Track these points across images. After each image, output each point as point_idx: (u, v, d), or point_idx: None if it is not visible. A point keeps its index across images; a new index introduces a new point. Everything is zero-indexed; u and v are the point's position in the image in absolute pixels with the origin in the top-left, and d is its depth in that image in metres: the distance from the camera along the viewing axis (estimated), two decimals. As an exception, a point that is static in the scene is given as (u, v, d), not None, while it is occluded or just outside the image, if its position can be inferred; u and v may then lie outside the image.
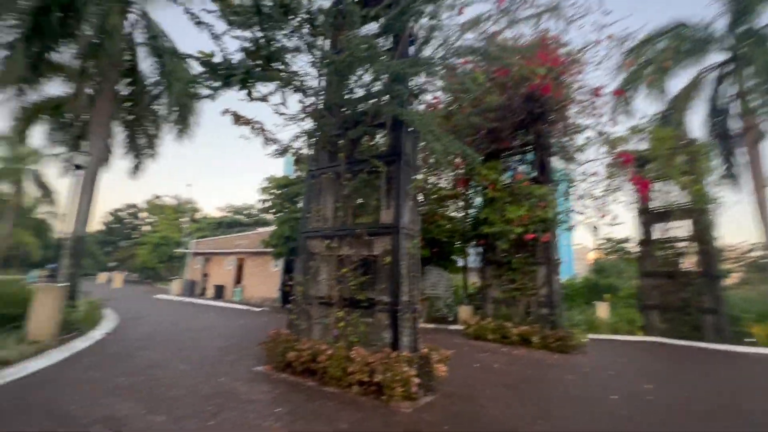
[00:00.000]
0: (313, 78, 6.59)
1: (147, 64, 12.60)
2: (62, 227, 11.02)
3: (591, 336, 11.35)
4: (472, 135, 10.94)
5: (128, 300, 18.87)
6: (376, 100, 6.18)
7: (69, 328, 8.10)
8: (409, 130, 6.31)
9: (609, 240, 16.32)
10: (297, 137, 7.15)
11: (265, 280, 20.63)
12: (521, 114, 10.86)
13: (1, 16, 9.28)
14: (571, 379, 6.80)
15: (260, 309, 17.18)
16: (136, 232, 48.76)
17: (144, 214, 52.87)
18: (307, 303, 6.57)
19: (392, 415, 4.48)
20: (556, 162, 11.97)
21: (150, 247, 35.56)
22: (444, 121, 9.75)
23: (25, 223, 32.42)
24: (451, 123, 9.76)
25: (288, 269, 20.33)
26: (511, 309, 11.04)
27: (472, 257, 15.14)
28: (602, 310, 14.58)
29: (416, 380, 4.97)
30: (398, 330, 5.50)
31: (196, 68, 6.09)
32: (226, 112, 6.61)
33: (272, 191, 17.31)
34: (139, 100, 13.17)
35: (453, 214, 14.69)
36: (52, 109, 14.32)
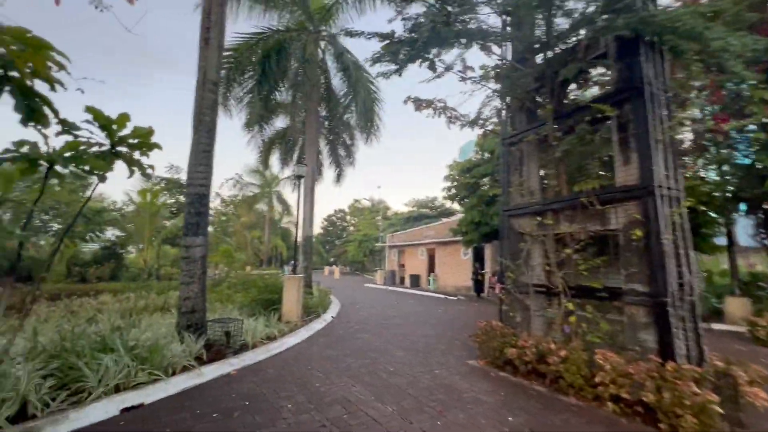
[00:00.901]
0: (497, 29, 5.59)
1: (337, 81, 14.26)
2: (297, 231, 13.82)
3: None
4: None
5: (345, 288, 22.29)
6: (591, 22, 4.62)
7: (308, 311, 9.75)
8: (651, 48, 4.46)
9: None
10: (486, 104, 6.29)
11: (456, 269, 20.62)
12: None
13: (245, 69, 12.11)
14: None
15: (455, 297, 17.13)
16: (345, 233, 58.69)
17: (348, 217, 63.42)
18: (521, 292, 5.60)
19: (688, 458, 3.04)
20: None
21: (356, 243, 41.68)
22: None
23: (276, 231, 43.43)
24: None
25: (477, 257, 19.64)
26: None
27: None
28: None
29: (718, 409, 3.31)
30: (668, 331, 3.88)
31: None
32: (407, 99, 6.39)
33: (456, 178, 16.96)
34: (334, 115, 15.09)
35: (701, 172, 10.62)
36: (280, 138, 18.08)
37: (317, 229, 65.01)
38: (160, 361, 4.53)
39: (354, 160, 19.59)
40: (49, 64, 4.14)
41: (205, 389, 4.31)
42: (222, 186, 19.09)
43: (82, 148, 4.62)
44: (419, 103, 6.48)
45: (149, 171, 5.89)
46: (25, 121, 4.12)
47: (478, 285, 18.37)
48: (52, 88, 4.55)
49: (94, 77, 4.54)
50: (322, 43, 13.87)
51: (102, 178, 4.98)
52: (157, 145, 5.78)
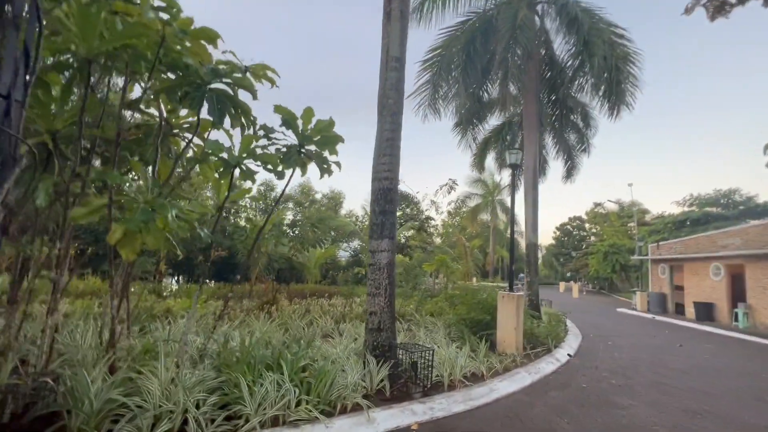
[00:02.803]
0: None
1: (559, 45, 11.23)
2: (523, 240, 11.63)
3: None
4: None
5: (587, 312, 17.62)
6: None
7: (533, 342, 7.37)
8: None
9: None
10: None
11: (796, 301, 12.45)
12: None
13: (450, 64, 11.14)
14: None
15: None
16: (584, 243, 49.44)
17: (587, 225, 53.25)
18: None
19: None
20: None
21: (599, 256, 33.91)
22: None
23: (502, 241, 41.24)
24: None
25: None
26: None
27: None
28: None
29: None
30: None
31: None
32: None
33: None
34: (557, 90, 11.95)
35: None
36: (496, 135, 16.31)
37: (548, 239, 58.14)
38: (327, 392, 3.64)
39: (588, 147, 15.37)
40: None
41: (367, 452, 3.04)
42: (437, 193, 18.58)
43: (255, 145, 4.52)
44: None
45: (334, 168, 5.55)
46: (217, 123, 4.27)
47: None
48: (255, 97, 4.68)
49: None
50: (539, 7, 11.29)
51: (280, 175, 4.78)
52: (339, 138, 5.32)
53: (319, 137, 4.87)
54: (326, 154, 5.05)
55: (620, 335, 10.53)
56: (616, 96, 10.63)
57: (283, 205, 22.10)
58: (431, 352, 4.50)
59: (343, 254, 21.78)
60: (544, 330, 8.10)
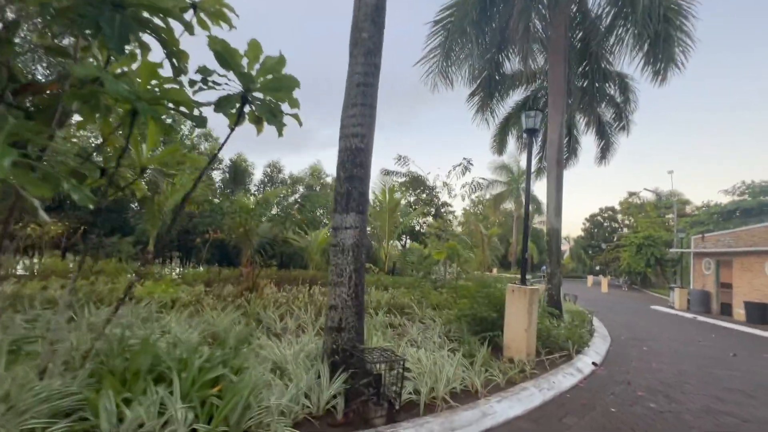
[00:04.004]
0: None
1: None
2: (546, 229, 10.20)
3: None
4: None
5: (618, 309, 15.92)
6: None
7: (550, 345, 6.10)
8: None
9: None
10: None
11: None
12: None
13: (464, 26, 9.71)
14: None
15: None
16: (615, 235, 46.42)
17: (620, 217, 49.92)
18: None
19: None
20: None
21: (632, 248, 31.44)
22: None
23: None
24: None
25: None
26: None
27: None
28: None
29: None
30: None
31: None
32: None
33: None
34: (591, 47, 10.17)
35: None
36: (517, 112, 14.69)
37: (577, 231, 55.19)
38: (240, 417, 2.60)
39: (628, 124, 13.53)
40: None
41: None
42: (450, 174, 16.97)
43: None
44: None
45: (282, 122, 4.40)
46: (114, 51, 3.22)
47: None
48: (191, 32, 3.60)
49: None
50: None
51: (200, 122, 3.69)
52: (294, 82, 4.17)
53: (268, 79, 3.75)
54: (285, 106, 3.95)
55: (657, 339, 9.01)
56: (662, 52, 8.85)
57: (288, 189, 21.25)
58: (401, 362, 3.36)
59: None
60: (564, 331, 6.79)
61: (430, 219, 22.98)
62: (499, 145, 15.51)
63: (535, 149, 15.10)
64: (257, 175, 21.42)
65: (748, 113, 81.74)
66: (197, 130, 20.21)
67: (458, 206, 39.21)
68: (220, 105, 3.60)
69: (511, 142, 16.04)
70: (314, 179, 22.33)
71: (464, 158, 19.23)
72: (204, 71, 3.59)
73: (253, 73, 3.79)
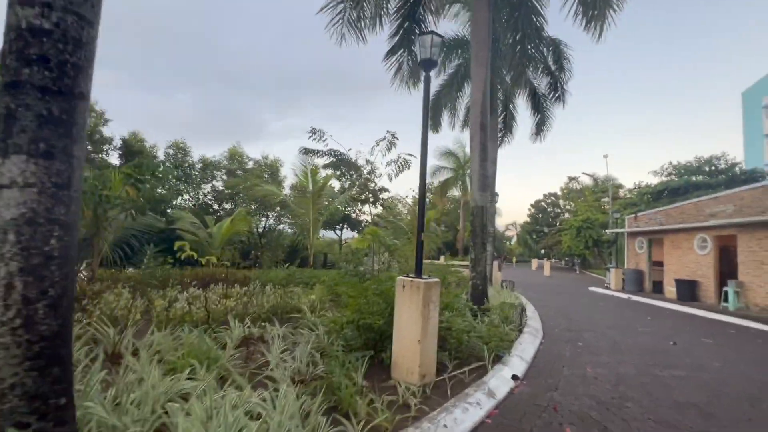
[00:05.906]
0: None
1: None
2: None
3: None
4: None
5: (557, 293, 15.30)
6: None
7: (461, 354, 4.61)
8: None
9: None
10: None
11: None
12: None
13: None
14: None
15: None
16: (558, 220, 47.84)
17: (561, 202, 51.63)
18: None
19: None
20: None
21: (572, 232, 32.08)
22: None
23: (469, 218, 38.91)
24: None
25: None
26: None
27: None
28: None
29: None
30: None
31: None
32: None
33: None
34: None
35: None
36: (450, 83, 13.36)
37: (522, 217, 56.56)
38: None
39: (563, 94, 12.67)
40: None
41: None
42: (374, 150, 14.56)
43: None
44: None
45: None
46: None
47: None
48: None
49: None
50: None
51: None
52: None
53: None
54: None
55: (594, 328, 7.99)
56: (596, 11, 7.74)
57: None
58: None
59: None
60: (486, 331, 5.35)
61: (369, 207, 21.29)
62: (433, 121, 14.10)
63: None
64: (160, 158, 18.35)
65: (672, 98, 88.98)
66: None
67: (392, 188, 37.73)
68: None
69: (446, 118, 14.73)
70: (234, 163, 19.65)
71: (388, 131, 17.58)
72: None
73: None
